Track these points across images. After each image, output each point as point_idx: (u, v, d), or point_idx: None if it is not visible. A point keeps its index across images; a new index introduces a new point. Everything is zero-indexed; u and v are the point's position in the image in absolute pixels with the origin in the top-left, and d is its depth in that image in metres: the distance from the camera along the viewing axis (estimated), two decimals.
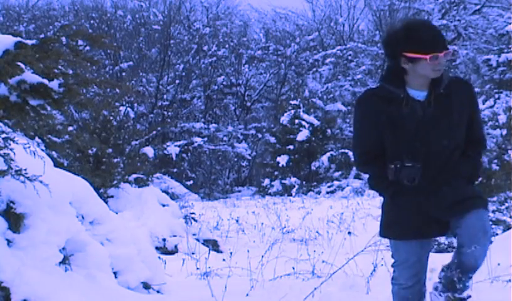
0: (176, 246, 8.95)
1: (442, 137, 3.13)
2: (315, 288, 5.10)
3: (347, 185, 22.90)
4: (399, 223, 3.21)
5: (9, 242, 3.59)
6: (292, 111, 24.99)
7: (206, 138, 28.17)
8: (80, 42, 3.96)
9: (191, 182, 25.99)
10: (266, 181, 24.93)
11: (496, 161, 9.18)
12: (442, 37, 3.12)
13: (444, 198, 3.13)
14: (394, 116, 3.12)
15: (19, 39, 3.84)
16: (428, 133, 3.12)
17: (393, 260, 3.35)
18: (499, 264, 5.03)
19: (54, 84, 3.83)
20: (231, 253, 6.59)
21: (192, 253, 8.04)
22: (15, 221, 3.66)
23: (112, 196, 9.18)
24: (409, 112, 3.11)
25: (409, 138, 3.11)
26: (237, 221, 12.29)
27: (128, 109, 13.67)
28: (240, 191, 26.86)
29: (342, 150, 24.91)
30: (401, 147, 3.12)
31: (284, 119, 24.99)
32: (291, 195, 22.57)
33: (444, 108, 3.13)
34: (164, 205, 9.69)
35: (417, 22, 3.23)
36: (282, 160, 24.41)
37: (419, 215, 3.16)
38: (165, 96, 29.40)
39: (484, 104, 18.46)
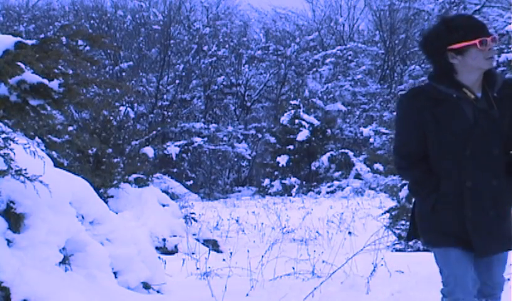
0: (176, 246, 8.94)
1: (493, 145, 2.82)
2: (315, 288, 5.10)
3: (347, 185, 22.92)
4: (440, 231, 2.88)
5: (9, 242, 3.59)
6: (292, 111, 25.00)
7: (206, 138, 28.18)
8: (80, 42, 3.96)
9: (191, 182, 25.99)
10: (266, 181, 24.93)
11: None
12: (483, 23, 2.83)
13: (486, 227, 2.83)
14: (441, 117, 2.81)
15: (19, 39, 3.84)
16: (479, 140, 2.79)
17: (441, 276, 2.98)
18: None
19: (54, 84, 3.83)
20: (231, 253, 6.59)
21: (192, 253, 8.04)
22: (15, 221, 3.66)
23: (112, 196, 9.18)
24: (459, 114, 2.80)
25: (455, 143, 2.81)
26: (237, 221, 12.29)
27: (128, 109, 13.68)
28: (239, 191, 26.86)
29: (342, 150, 24.92)
30: (446, 154, 2.83)
31: (284, 119, 24.99)
32: (291, 195, 22.58)
33: (497, 113, 2.81)
34: (164, 205, 9.69)
35: (454, 15, 3.01)
36: (282, 160, 24.42)
37: (462, 229, 2.85)
38: (165, 96, 29.40)
39: None
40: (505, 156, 2.84)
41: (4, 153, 3.60)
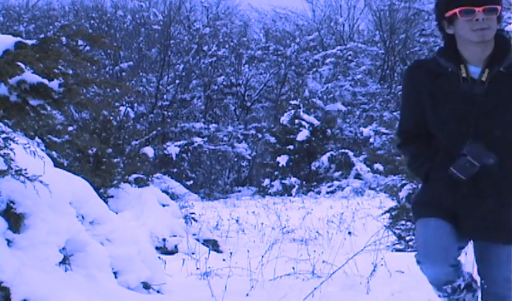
0: (176, 246, 8.94)
1: (494, 126, 2.57)
2: (315, 288, 5.10)
3: (347, 185, 22.92)
4: (428, 202, 2.73)
5: (9, 242, 3.59)
6: (292, 111, 25.00)
7: (206, 138, 28.17)
8: (80, 42, 3.96)
9: (191, 182, 25.99)
10: (266, 181, 24.93)
11: None
12: None
13: (484, 215, 2.63)
14: (437, 92, 2.64)
15: (19, 39, 3.84)
16: (477, 119, 2.58)
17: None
18: None
19: (54, 84, 3.83)
20: (231, 253, 6.59)
21: (192, 253, 8.04)
22: (15, 221, 3.66)
23: (112, 196, 9.17)
24: (455, 91, 2.61)
25: (451, 122, 2.62)
26: (237, 221, 12.29)
27: (128, 109, 13.67)
28: (239, 191, 26.86)
29: (342, 150, 24.93)
30: (442, 132, 2.67)
31: (284, 119, 24.99)
32: (291, 195, 22.58)
33: (503, 90, 2.58)
34: (164, 205, 9.69)
35: None
36: (282, 160, 24.41)
37: (453, 203, 2.66)
38: (165, 96, 29.40)
39: None
40: None
41: (4, 153, 3.60)
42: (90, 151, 9.46)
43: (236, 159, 29.31)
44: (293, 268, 6.15)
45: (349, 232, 9.43)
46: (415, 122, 2.76)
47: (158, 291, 4.95)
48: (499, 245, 2.67)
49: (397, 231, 8.83)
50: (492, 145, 2.56)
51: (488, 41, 2.58)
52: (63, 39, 3.90)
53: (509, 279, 2.69)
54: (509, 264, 2.69)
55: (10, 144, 3.61)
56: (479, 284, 2.82)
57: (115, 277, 4.55)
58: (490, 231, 2.64)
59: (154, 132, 25.42)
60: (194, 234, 9.59)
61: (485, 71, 2.59)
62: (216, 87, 30.53)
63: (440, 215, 2.67)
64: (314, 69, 30.10)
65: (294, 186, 23.89)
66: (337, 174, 24.40)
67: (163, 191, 10.74)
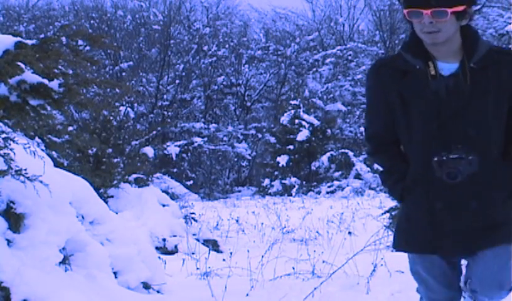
0: (176, 246, 8.94)
1: (467, 125, 2.40)
2: (315, 288, 5.10)
3: (347, 185, 22.92)
4: (406, 231, 2.57)
5: (9, 242, 3.59)
6: (292, 111, 25.00)
7: (206, 138, 28.18)
8: (80, 42, 3.96)
9: (191, 182, 25.99)
10: (266, 181, 24.93)
11: None
12: None
13: (469, 218, 2.44)
14: (406, 93, 2.46)
15: (19, 39, 3.84)
16: (449, 119, 2.41)
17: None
18: None
19: (54, 84, 3.83)
20: (231, 253, 6.60)
21: (192, 253, 8.03)
22: (15, 221, 3.66)
23: (112, 196, 9.17)
24: (424, 90, 2.43)
25: (423, 123, 2.43)
26: (237, 221, 12.28)
27: (128, 109, 13.66)
28: (240, 191, 26.86)
29: (342, 150, 24.93)
30: (413, 136, 2.47)
31: (284, 119, 24.99)
32: (291, 195, 22.58)
33: (476, 87, 2.41)
34: (164, 206, 9.68)
35: None
36: (282, 160, 24.42)
37: (430, 225, 2.48)
38: (165, 96, 29.40)
39: None
40: (496, 136, 2.43)
41: (4, 153, 3.60)
42: (90, 151, 9.45)
43: (236, 159, 29.31)
44: (293, 268, 6.15)
45: (349, 232, 9.43)
46: (383, 126, 2.57)
47: (158, 291, 4.95)
48: (494, 248, 2.47)
49: None
50: (467, 145, 2.40)
51: (445, 42, 2.41)
52: (63, 39, 3.91)
53: (503, 284, 2.52)
54: (505, 267, 2.49)
55: (10, 144, 3.61)
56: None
57: (115, 277, 4.55)
58: (482, 238, 2.45)
59: (154, 132, 25.42)
60: (194, 234, 9.58)
61: (464, 67, 2.42)
62: (216, 87, 30.53)
63: (428, 249, 2.52)
64: (314, 69, 30.11)
65: (294, 186, 23.89)
66: (337, 174, 24.40)
67: (163, 191, 10.74)
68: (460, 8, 2.38)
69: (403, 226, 2.59)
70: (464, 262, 2.70)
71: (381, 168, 2.65)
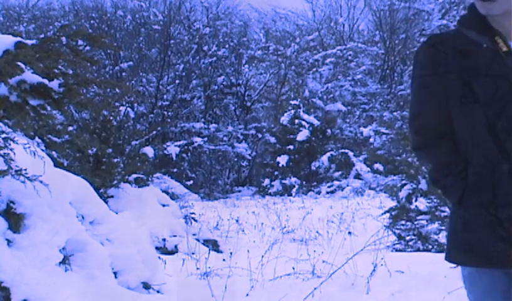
0: (176, 246, 8.94)
1: None
2: (315, 288, 5.10)
3: (347, 185, 22.91)
4: (466, 240, 2.09)
5: (9, 242, 3.59)
6: (292, 111, 25.00)
7: (206, 138, 28.17)
8: (80, 42, 3.97)
9: (191, 182, 25.98)
10: (266, 181, 24.93)
11: None
12: None
13: None
14: (470, 75, 2.03)
15: (19, 39, 3.84)
16: None
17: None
18: None
19: (54, 84, 3.83)
20: (231, 253, 6.60)
21: (192, 253, 8.04)
22: (15, 221, 3.66)
23: (112, 196, 9.17)
24: (492, 73, 2.00)
25: (487, 113, 2.01)
26: (237, 221, 12.29)
27: (128, 109, 13.66)
28: (240, 191, 26.85)
29: (342, 150, 24.93)
30: (475, 128, 2.04)
31: (284, 119, 25.00)
32: (291, 195, 22.58)
33: None
34: (164, 205, 9.69)
35: None
36: (282, 160, 24.42)
37: (496, 235, 2.02)
38: (165, 96, 29.39)
39: None
40: None
41: (4, 153, 3.60)
42: (90, 151, 9.45)
43: (236, 159, 29.31)
44: (293, 268, 6.16)
45: (349, 232, 9.44)
46: (437, 115, 2.14)
47: (158, 291, 4.95)
48: None
49: (397, 231, 8.83)
50: None
51: (505, 14, 2.03)
52: (63, 39, 3.91)
53: None
54: None
55: (10, 144, 3.61)
56: None
57: (115, 277, 4.55)
58: None
59: (154, 132, 25.41)
60: (194, 234, 9.59)
61: None
62: (216, 87, 30.52)
63: (495, 263, 2.05)
64: (314, 69, 30.10)
65: (294, 186, 23.88)
66: (337, 174, 24.40)
67: (163, 191, 10.74)
68: None
69: (462, 234, 2.12)
70: None
71: (431, 166, 2.23)
